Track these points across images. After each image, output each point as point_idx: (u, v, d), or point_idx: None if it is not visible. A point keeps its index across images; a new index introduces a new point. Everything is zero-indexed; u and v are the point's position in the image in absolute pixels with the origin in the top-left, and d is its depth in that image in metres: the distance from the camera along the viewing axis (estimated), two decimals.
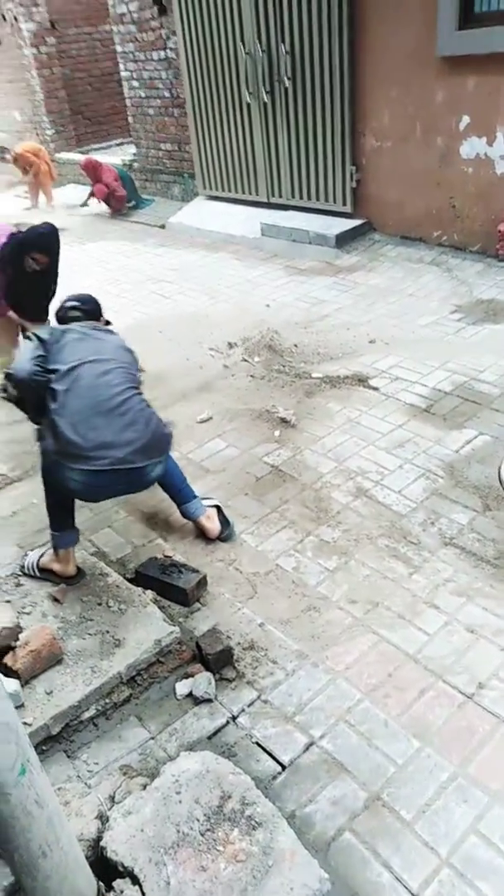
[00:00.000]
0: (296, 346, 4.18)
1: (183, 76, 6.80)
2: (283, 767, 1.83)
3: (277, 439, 3.28)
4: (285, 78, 5.71)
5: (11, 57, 10.01)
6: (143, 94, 7.69)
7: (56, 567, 2.41)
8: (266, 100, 5.98)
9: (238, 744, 1.91)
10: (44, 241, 3.60)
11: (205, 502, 2.69)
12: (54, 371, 2.27)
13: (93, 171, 7.73)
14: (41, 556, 2.48)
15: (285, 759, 1.85)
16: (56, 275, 3.73)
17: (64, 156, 9.89)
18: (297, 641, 2.20)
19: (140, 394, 2.37)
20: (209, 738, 1.93)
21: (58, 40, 9.79)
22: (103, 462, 2.18)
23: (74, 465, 2.19)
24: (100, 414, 2.21)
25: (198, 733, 1.94)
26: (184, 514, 2.68)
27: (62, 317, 2.60)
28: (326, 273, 5.36)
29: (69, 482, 2.25)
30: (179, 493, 2.64)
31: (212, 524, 2.66)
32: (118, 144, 10.08)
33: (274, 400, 3.60)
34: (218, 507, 2.70)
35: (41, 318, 3.70)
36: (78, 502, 2.44)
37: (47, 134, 10.09)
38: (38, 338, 2.34)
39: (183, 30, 6.52)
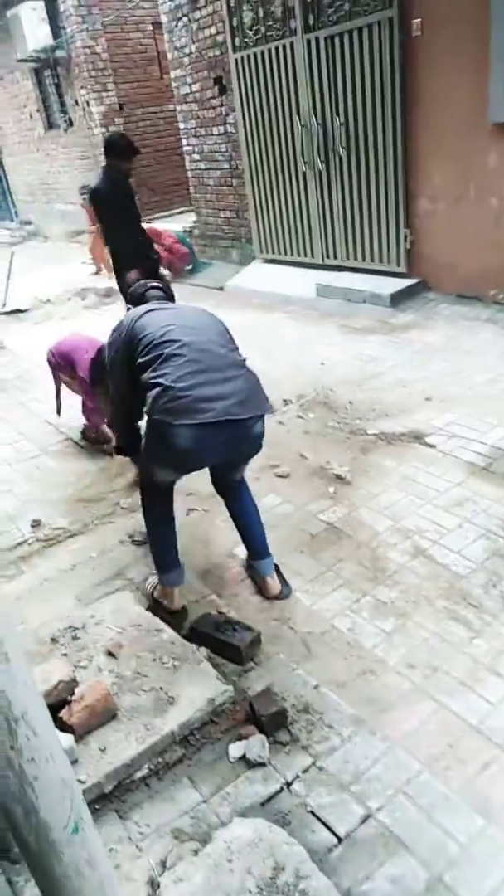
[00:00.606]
0: (351, 403, 4.21)
1: (241, 148, 7.17)
2: (339, 840, 1.76)
3: (332, 496, 3.27)
4: (340, 147, 5.95)
5: (82, 136, 10.79)
6: (203, 166, 8.12)
7: (164, 601, 2.59)
8: (321, 168, 6.23)
9: (292, 812, 1.85)
10: None
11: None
12: (144, 339, 2.36)
13: (154, 238, 8.17)
14: (156, 586, 2.63)
15: (341, 831, 1.78)
16: None
17: None
18: (353, 706, 2.14)
19: (236, 349, 2.44)
20: (262, 804, 1.88)
21: (125, 120, 10.50)
22: (208, 415, 2.20)
23: (179, 422, 2.20)
24: (200, 370, 2.26)
25: (251, 799, 1.89)
26: (253, 568, 2.69)
27: (141, 294, 2.71)
28: (381, 331, 5.42)
29: (176, 440, 2.24)
30: (260, 545, 2.66)
31: (274, 581, 2.66)
32: (179, 212, 10.60)
33: (329, 456, 3.61)
34: (276, 566, 2.71)
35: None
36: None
37: None
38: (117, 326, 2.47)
39: (242, 106, 6.91)
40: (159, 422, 2.24)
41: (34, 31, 9.86)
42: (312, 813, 1.83)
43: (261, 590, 2.67)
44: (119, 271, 5.40)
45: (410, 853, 1.70)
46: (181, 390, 2.21)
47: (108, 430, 4.10)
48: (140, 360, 2.37)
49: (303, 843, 1.69)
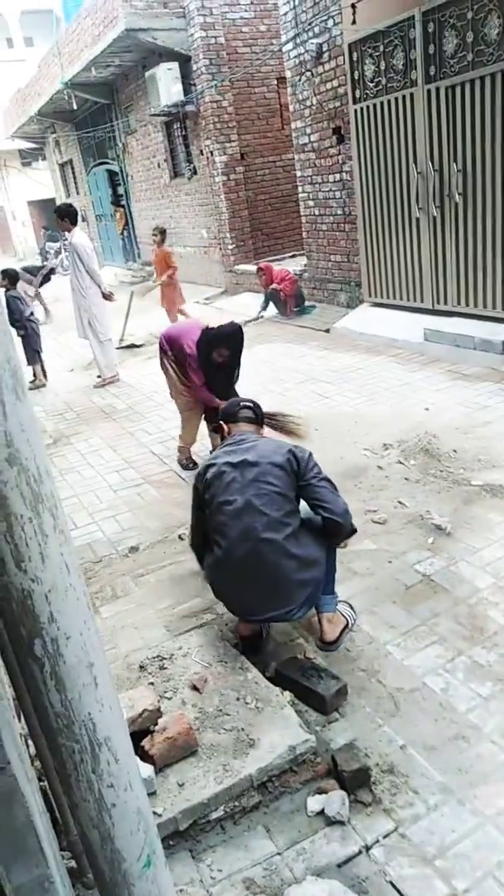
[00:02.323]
0: (455, 451, 4.07)
1: (356, 195, 7.28)
2: None
3: (431, 547, 3.15)
4: (456, 193, 5.89)
5: (204, 184, 11.36)
6: (317, 212, 8.31)
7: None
8: (435, 214, 6.19)
9: (370, 879, 1.75)
10: (226, 339, 4.09)
11: (339, 606, 2.66)
12: (208, 501, 2.53)
13: (269, 272, 8.61)
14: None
15: None
16: (237, 365, 4.21)
17: (241, 267, 10.82)
18: (442, 773, 2.01)
19: (287, 528, 2.42)
20: (339, 865, 1.79)
21: (245, 168, 10.97)
22: (234, 607, 2.58)
23: (219, 594, 2.64)
24: (233, 570, 2.45)
25: (327, 858, 1.81)
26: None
27: (234, 413, 2.81)
28: (491, 379, 5.23)
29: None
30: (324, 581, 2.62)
31: (331, 628, 2.59)
32: (291, 256, 10.85)
33: (429, 505, 3.49)
34: (346, 625, 2.64)
35: (227, 398, 4.10)
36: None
37: (229, 248, 11.14)
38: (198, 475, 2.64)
39: (358, 154, 7.04)
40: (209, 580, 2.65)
41: (168, 89, 10.58)
42: (392, 884, 1.73)
43: (317, 629, 2.64)
44: None
45: None
46: (216, 581, 2.58)
47: (191, 459, 4.42)
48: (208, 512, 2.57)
49: None
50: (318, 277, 8.66)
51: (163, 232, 8.55)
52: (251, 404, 2.87)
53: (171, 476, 4.48)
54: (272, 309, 8.66)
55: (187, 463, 4.54)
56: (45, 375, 7.48)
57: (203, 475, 2.57)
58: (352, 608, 2.73)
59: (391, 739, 2.15)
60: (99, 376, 7.15)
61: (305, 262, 8.97)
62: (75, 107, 14.47)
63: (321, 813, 1.92)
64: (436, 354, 6.02)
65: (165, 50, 10.53)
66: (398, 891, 1.71)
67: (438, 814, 1.89)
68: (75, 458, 5.06)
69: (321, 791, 1.98)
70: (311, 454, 2.54)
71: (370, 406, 5.10)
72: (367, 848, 1.82)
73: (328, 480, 2.50)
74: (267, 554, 2.37)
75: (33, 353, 7.33)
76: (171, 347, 4.32)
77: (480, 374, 5.38)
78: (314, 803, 1.95)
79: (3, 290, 7.07)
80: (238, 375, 4.26)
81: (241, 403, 2.86)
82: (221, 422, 2.87)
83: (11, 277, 7.27)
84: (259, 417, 2.86)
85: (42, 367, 7.45)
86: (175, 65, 10.55)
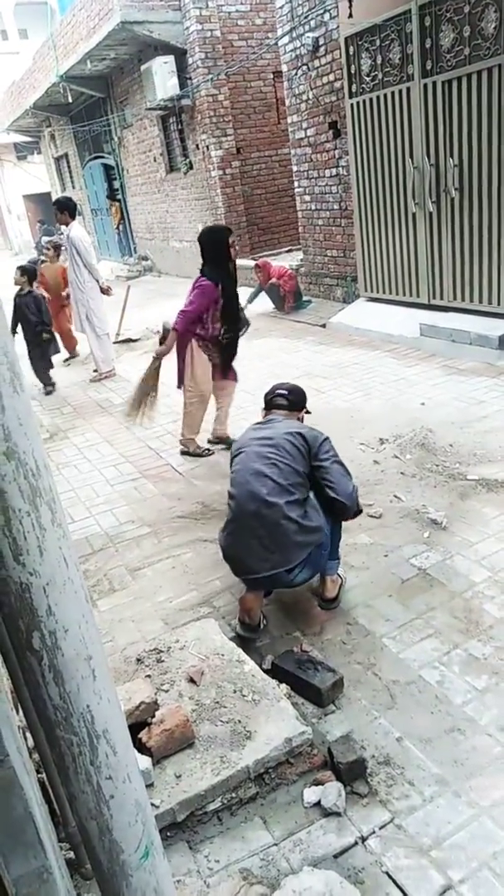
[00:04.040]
0: (451, 445, 4.08)
1: (352, 190, 7.26)
2: None
3: (426, 541, 3.17)
4: (452, 188, 5.89)
5: (200, 178, 11.33)
6: (313, 207, 8.29)
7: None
8: (431, 209, 6.19)
9: (366, 870, 1.76)
10: (223, 227, 4.63)
11: (340, 570, 2.90)
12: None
13: (266, 270, 8.49)
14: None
15: None
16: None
17: (238, 262, 10.81)
18: (438, 765, 2.03)
19: (295, 483, 2.56)
20: (335, 856, 1.80)
21: (241, 163, 10.94)
22: (236, 567, 2.67)
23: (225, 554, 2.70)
24: (240, 528, 2.58)
25: (323, 849, 1.82)
26: None
27: (270, 400, 2.95)
28: (487, 374, 5.24)
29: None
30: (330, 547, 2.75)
31: (333, 587, 2.80)
32: (287, 251, 10.83)
33: (425, 499, 3.50)
34: (342, 583, 2.89)
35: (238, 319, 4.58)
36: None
37: None
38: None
39: (354, 149, 7.02)
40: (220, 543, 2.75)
41: (164, 83, 10.54)
42: (388, 874, 1.74)
43: (317, 590, 2.83)
44: None
45: None
46: (224, 540, 2.68)
47: (201, 446, 4.59)
48: None
49: None
50: (315, 272, 8.65)
51: (57, 246, 7.88)
52: (286, 391, 2.95)
53: (168, 470, 4.48)
54: (268, 304, 8.62)
55: (202, 450, 4.62)
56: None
57: (233, 456, 2.78)
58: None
59: (387, 731, 2.17)
60: (95, 370, 7.13)
61: (302, 256, 8.96)
62: (70, 100, 14.39)
63: (318, 804, 1.94)
64: (432, 349, 6.03)
65: (161, 43, 10.48)
66: (394, 881, 1.72)
67: (434, 805, 1.91)
68: (72, 453, 5.05)
69: (317, 783, 2.00)
70: (327, 438, 2.72)
71: (366, 401, 5.10)
72: (364, 839, 1.84)
73: (341, 464, 2.70)
74: (269, 515, 2.51)
75: (49, 360, 6.90)
76: (187, 306, 4.30)
77: (476, 369, 5.39)
78: (311, 795, 1.96)
79: (19, 287, 6.60)
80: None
81: (277, 391, 2.96)
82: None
83: (31, 274, 6.70)
84: (295, 404, 2.93)
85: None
86: (171, 58, 10.51)
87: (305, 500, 2.60)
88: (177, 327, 4.29)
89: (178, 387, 4.53)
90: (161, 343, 4.43)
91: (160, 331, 4.52)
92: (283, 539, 2.50)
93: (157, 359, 4.42)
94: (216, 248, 4.31)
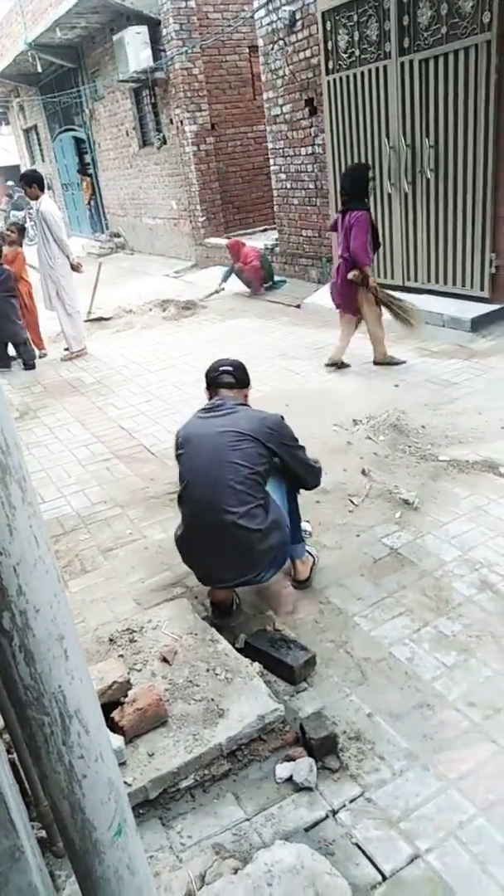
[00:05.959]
0: (423, 427, 4.12)
1: (328, 169, 7.21)
2: (384, 877, 1.69)
3: (398, 521, 3.20)
4: (427, 169, 5.88)
5: (174, 154, 11.13)
6: (288, 186, 8.21)
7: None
8: (407, 190, 6.18)
9: (337, 842, 1.79)
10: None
11: (308, 548, 2.90)
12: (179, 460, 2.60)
13: (236, 251, 8.31)
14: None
15: (386, 869, 1.71)
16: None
17: (212, 240, 10.68)
18: (407, 739, 2.07)
19: (251, 476, 2.44)
20: (306, 829, 1.83)
21: (216, 139, 10.77)
22: (200, 574, 2.65)
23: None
24: (196, 537, 2.52)
25: (295, 823, 1.85)
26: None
27: (214, 378, 2.74)
28: (459, 356, 5.29)
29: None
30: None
31: (304, 568, 2.81)
32: (262, 230, 10.74)
33: (397, 480, 3.54)
34: (313, 562, 2.89)
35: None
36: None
37: (199, 221, 10.97)
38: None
39: (331, 128, 6.96)
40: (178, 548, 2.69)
41: (136, 54, 10.28)
42: (357, 846, 1.78)
43: (289, 572, 2.84)
44: None
45: None
46: (183, 549, 2.64)
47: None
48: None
49: (346, 876, 1.64)
50: (290, 252, 8.59)
51: (21, 229, 7.26)
52: (231, 368, 2.74)
53: (141, 451, 4.45)
54: (240, 285, 8.54)
55: (392, 358, 5.25)
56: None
57: (177, 441, 2.63)
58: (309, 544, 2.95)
59: (358, 708, 2.20)
60: (66, 349, 7.02)
61: (276, 236, 8.88)
62: (40, 70, 14.00)
63: (289, 780, 1.96)
64: (406, 331, 6.04)
65: (134, 13, 10.21)
66: (363, 852, 1.76)
67: (403, 779, 1.95)
68: (42, 433, 4.98)
69: (289, 758, 2.02)
70: (282, 417, 2.61)
71: (340, 382, 5.11)
72: (334, 812, 1.87)
73: (302, 448, 2.67)
74: (230, 528, 2.40)
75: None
76: (357, 239, 4.83)
77: (449, 351, 5.43)
78: (282, 770, 1.99)
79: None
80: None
81: (221, 368, 2.75)
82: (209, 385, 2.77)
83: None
84: (241, 381, 2.75)
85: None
86: (144, 29, 10.25)
87: (264, 497, 2.49)
88: (366, 261, 4.88)
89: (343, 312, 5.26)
90: (362, 283, 4.98)
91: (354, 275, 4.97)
92: (248, 551, 2.44)
93: (374, 288, 5.02)
94: (363, 183, 4.93)
